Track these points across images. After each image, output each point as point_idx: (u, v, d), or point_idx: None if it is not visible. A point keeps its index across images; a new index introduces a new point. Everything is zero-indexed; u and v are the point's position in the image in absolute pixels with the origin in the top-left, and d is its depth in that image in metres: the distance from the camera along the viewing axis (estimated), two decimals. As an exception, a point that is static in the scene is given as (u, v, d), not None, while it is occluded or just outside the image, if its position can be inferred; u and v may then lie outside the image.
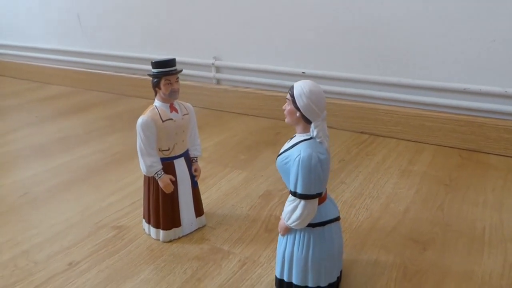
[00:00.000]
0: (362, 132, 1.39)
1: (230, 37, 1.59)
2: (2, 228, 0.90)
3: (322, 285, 0.66)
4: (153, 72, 0.76)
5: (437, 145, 1.28)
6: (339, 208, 0.80)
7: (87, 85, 2.07)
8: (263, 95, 1.56)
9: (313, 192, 0.60)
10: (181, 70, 0.78)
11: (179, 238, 0.84)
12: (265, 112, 1.56)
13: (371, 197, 0.98)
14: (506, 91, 1.17)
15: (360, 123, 1.39)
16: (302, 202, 0.61)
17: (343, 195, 0.99)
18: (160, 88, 0.76)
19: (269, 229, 0.86)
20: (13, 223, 0.92)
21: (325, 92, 1.41)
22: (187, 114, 0.81)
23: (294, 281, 0.67)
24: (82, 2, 1.97)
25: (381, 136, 1.36)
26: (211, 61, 1.65)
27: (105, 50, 1.97)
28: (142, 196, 0.86)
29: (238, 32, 1.57)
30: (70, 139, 1.40)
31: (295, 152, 0.61)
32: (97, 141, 1.38)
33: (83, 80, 2.08)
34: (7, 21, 2.32)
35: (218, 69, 1.66)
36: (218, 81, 1.68)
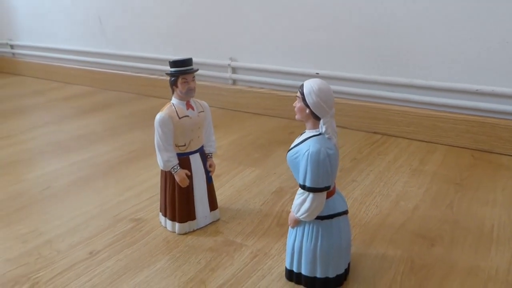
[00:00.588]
0: (374, 132, 1.41)
1: (246, 38, 1.63)
2: (27, 219, 0.94)
3: (330, 276, 0.69)
4: (171, 71, 0.79)
5: (449, 145, 1.29)
6: (349, 205, 0.82)
7: (106, 85, 2.13)
8: (277, 95, 1.59)
9: (322, 186, 0.63)
10: (197, 69, 0.81)
11: (194, 231, 0.87)
12: (279, 112, 1.59)
13: (381, 194, 1.00)
14: (518, 92, 1.18)
15: (373, 124, 1.41)
16: (311, 195, 0.64)
17: (353, 193, 1.01)
18: (177, 87, 0.80)
19: (281, 223, 0.89)
20: (36, 215, 0.96)
21: (339, 92, 1.44)
22: (203, 111, 0.84)
23: (303, 272, 0.70)
24: (103, 5, 2.03)
25: (393, 136, 1.37)
26: (227, 62, 1.68)
27: (124, 51, 2.03)
28: (159, 191, 0.90)
29: (254, 34, 1.60)
30: (90, 137, 1.45)
31: (304, 147, 0.64)
32: (116, 139, 1.42)
33: (103, 80, 2.14)
34: (30, 22, 2.40)
35: (234, 69, 1.69)
36: (234, 82, 1.72)
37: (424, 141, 1.32)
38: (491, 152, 1.23)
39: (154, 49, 1.92)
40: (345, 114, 1.43)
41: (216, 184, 1.05)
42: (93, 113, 1.74)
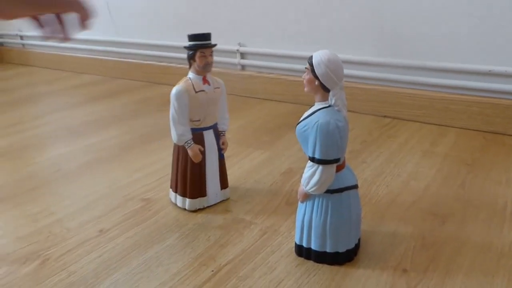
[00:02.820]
0: (384, 116, 1.39)
1: (255, 23, 1.62)
2: (37, 199, 0.95)
3: (340, 251, 0.68)
4: (190, 44, 0.79)
5: (461, 128, 1.27)
6: (359, 185, 0.81)
7: (116, 74, 2.13)
8: (286, 80, 1.58)
9: (331, 158, 0.62)
10: (215, 44, 0.81)
11: (204, 208, 0.87)
12: (288, 98, 1.58)
13: (392, 175, 0.99)
14: (532, 73, 1.15)
15: (383, 107, 1.39)
16: (320, 167, 0.63)
17: (364, 173, 1.01)
18: (195, 60, 0.80)
19: (290, 202, 0.89)
20: (47, 195, 0.97)
21: (348, 76, 1.43)
22: (219, 87, 0.84)
23: (313, 246, 0.69)
24: (111, -7, 2.03)
25: (404, 120, 1.36)
26: (236, 47, 1.67)
27: (133, 39, 2.03)
28: (168, 172, 0.89)
29: (262, 18, 1.59)
30: (100, 122, 1.46)
31: (313, 119, 0.63)
32: (125, 124, 1.43)
33: (112, 68, 2.14)
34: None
35: (243, 55, 1.69)
36: (243, 67, 1.71)
37: (435, 124, 1.31)
38: (505, 134, 1.21)
39: (161, 36, 1.92)
40: (355, 98, 1.42)
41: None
42: (103, 100, 1.74)
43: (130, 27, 2.03)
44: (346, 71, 1.41)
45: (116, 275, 0.69)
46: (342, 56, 1.43)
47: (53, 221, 0.86)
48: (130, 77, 2.08)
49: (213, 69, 1.74)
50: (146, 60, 2.01)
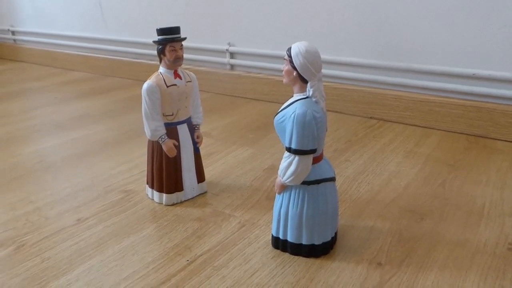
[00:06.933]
0: (371, 117, 1.40)
1: (244, 23, 1.62)
2: (17, 189, 0.94)
3: (316, 243, 0.68)
4: (159, 39, 0.79)
5: (445, 130, 1.28)
6: (341, 182, 0.81)
7: (107, 71, 2.13)
8: (275, 80, 1.58)
9: (307, 148, 0.63)
10: (185, 38, 0.81)
11: (181, 202, 0.87)
12: (276, 98, 1.59)
13: (374, 173, 1.00)
14: (516, 77, 1.17)
15: (369, 108, 1.40)
16: (297, 157, 0.63)
17: (346, 171, 1.01)
18: (165, 55, 0.80)
19: (270, 197, 0.89)
20: (27, 185, 0.96)
21: (336, 77, 1.43)
22: (190, 81, 0.84)
23: (289, 238, 0.69)
24: (103, -10, 2.03)
25: (390, 121, 1.37)
26: (225, 47, 1.68)
27: (124, 37, 2.03)
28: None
29: (252, 18, 1.60)
30: (87, 118, 1.45)
31: (290, 109, 0.63)
32: (112, 120, 1.42)
33: (103, 66, 2.14)
34: (31, 9, 2.40)
35: (232, 55, 1.69)
36: (232, 67, 1.71)
37: (420, 126, 1.32)
38: (487, 138, 1.22)
39: (152, 34, 1.91)
40: (342, 99, 1.42)
41: (208, 161, 1.06)
42: (91, 97, 1.74)
43: (121, 26, 2.03)
44: (334, 72, 1.43)
45: (90, 262, 0.69)
46: (330, 57, 1.44)
47: (32, 209, 0.86)
48: (120, 75, 2.07)
49: (202, 68, 1.76)
50: (136, 59, 2.01)
